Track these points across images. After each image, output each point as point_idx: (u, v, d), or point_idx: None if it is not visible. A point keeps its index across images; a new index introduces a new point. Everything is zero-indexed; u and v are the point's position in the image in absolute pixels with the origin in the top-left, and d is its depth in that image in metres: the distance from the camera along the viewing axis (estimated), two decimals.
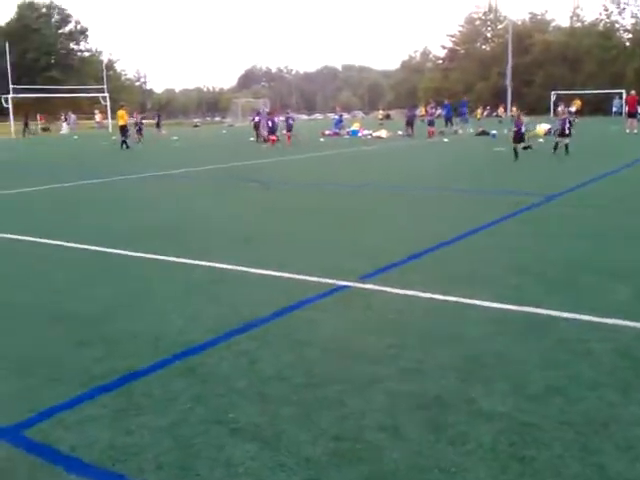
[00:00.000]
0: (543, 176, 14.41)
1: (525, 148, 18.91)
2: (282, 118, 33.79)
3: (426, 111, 38.77)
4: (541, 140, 23.94)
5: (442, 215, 9.58)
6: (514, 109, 25.32)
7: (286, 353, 4.16)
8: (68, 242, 7.90)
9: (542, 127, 28.47)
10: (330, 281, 5.78)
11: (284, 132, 29.79)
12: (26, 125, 50.81)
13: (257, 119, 32.27)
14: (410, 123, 33.70)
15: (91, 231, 8.71)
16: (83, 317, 5.04)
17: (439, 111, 39.62)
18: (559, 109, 26.86)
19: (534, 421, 3.19)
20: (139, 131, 33.22)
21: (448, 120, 36.11)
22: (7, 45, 59.67)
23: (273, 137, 28.18)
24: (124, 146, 28.00)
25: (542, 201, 10.30)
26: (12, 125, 52.32)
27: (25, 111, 54.75)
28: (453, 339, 4.34)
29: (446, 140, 29.36)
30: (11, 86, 54.01)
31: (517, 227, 8.47)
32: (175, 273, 6.40)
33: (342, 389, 3.61)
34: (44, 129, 59.19)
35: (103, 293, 5.70)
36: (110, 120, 59.06)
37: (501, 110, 58.91)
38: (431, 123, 32.61)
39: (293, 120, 31.63)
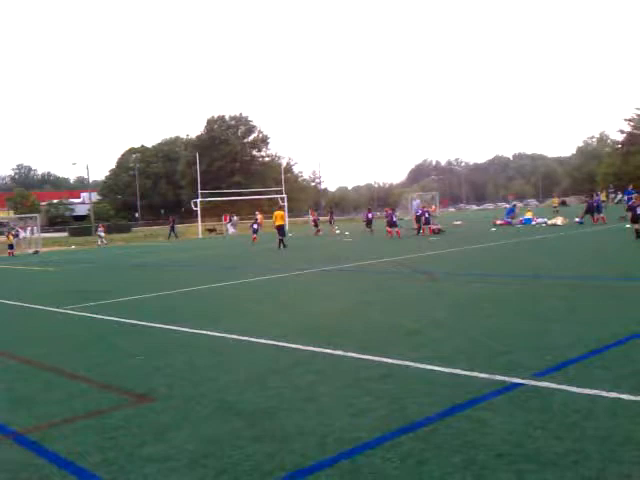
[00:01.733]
0: None
1: None
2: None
3: (607, 196, 37.08)
4: None
5: (623, 308, 8.85)
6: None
7: (455, 455, 3.97)
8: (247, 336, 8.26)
9: None
10: (501, 378, 5.50)
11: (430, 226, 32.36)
12: (172, 229, 53.45)
13: (419, 212, 34.03)
14: (590, 211, 32.48)
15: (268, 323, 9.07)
16: (254, 412, 5.17)
17: (619, 196, 37.60)
18: None
19: None
20: (316, 225, 35.36)
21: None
22: (197, 156, 66.23)
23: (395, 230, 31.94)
24: (281, 246, 28.43)
25: None
26: (199, 226, 57.12)
27: (172, 216, 59.16)
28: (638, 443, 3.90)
29: (628, 226, 27.50)
30: (199, 191, 59.31)
31: None
32: (344, 367, 6.43)
33: None
34: (210, 230, 60.74)
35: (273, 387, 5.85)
36: (287, 219, 62.47)
37: None
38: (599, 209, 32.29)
39: (429, 214, 33.82)
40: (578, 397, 4.92)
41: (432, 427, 4.50)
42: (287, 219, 62.77)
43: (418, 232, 32.57)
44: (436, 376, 5.82)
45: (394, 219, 32.87)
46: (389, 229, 32.61)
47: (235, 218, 61.39)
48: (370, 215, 39.13)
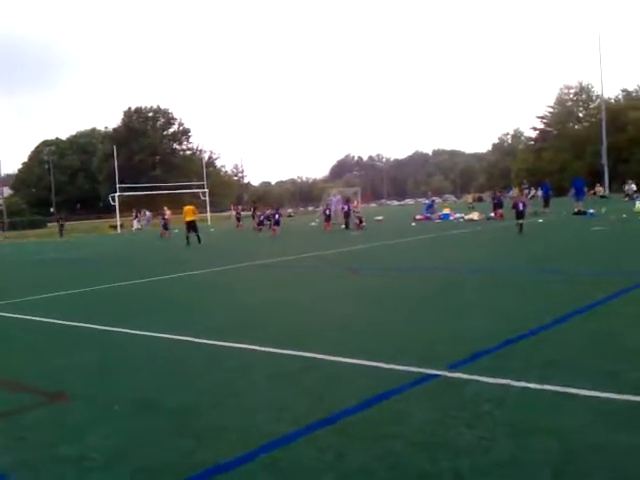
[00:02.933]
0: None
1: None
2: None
3: (521, 192, 38.43)
4: None
5: (536, 298, 9.24)
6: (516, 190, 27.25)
7: (373, 447, 4.04)
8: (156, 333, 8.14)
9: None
10: (418, 370, 5.64)
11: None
12: (61, 226, 54.63)
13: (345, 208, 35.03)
14: (498, 206, 33.83)
15: (186, 320, 8.96)
16: (174, 409, 5.11)
17: (533, 192, 39.13)
18: None
19: None
20: (238, 220, 35.34)
21: (546, 200, 35.56)
22: (115, 149, 64.52)
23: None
24: (188, 241, 28.02)
25: None
26: (118, 221, 55.81)
27: (59, 215, 60.67)
28: (548, 431, 4.09)
29: (540, 221, 28.70)
30: (117, 185, 57.85)
31: (621, 309, 8.04)
32: (263, 362, 6.43)
33: None
34: (113, 226, 60.58)
35: (192, 383, 5.80)
36: (209, 214, 61.77)
37: (599, 189, 57.43)
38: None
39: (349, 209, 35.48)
40: (489, 387, 5.10)
41: (350, 419, 4.57)
42: (209, 214, 62.16)
43: (347, 226, 33.12)
44: (354, 369, 5.91)
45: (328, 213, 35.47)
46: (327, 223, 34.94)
47: (148, 214, 60.78)
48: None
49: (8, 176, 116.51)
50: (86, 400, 5.50)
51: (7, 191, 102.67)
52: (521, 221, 22.57)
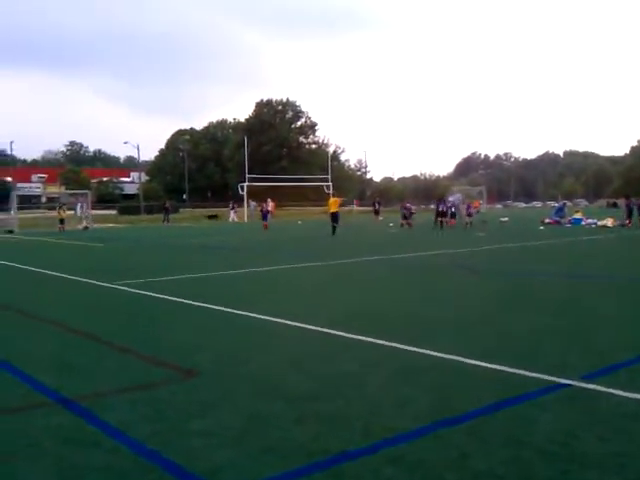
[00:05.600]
0: None
1: None
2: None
3: None
4: None
5: None
6: None
7: (500, 450, 3.95)
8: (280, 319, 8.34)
9: None
10: (550, 378, 5.44)
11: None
12: (166, 213, 50.89)
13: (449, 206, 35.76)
14: (630, 213, 32.17)
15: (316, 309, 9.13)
16: (301, 394, 5.24)
17: None
18: None
19: None
20: (404, 218, 35.52)
21: None
22: (246, 139, 66.62)
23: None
24: (334, 232, 28.88)
25: None
26: (245, 210, 57.51)
27: (163, 200, 58.33)
28: None
29: None
30: (247, 175, 59.62)
31: None
32: (388, 357, 6.44)
33: None
34: (210, 217, 59.24)
35: (320, 372, 5.91)
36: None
37: None
38: None
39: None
40: (626, 400, 4.84)
41: (477, 421, 4.49)
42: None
43: (441, 225, 33.50)
44: (481, 371, 5.79)
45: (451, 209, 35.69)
46: (453, 220, 35.17)
47: (253, 204, 60.50)
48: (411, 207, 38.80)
49: (146, 162, 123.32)
50: (215, 379, 5.75)
51: (144, 177, 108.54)
52: None
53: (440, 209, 34.40)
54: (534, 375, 5.54)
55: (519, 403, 4.86)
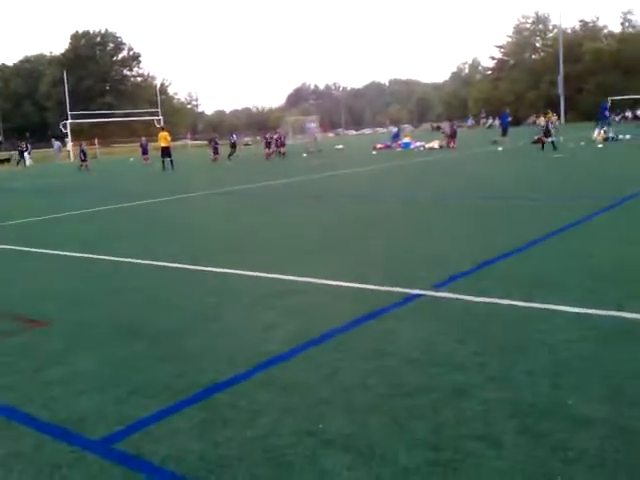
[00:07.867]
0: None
1: None
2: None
3: (478, 122, 38.59)
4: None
5: (509, 223, 9.35)
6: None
7: (367, 363, 4.06)
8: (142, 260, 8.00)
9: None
10: (403, 290, 5.67)
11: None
12: (21, 155, 46.10)
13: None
14: (453, 135, 33.93)
15: (161, 247, 8.82)
16: (161, 333, 5.04)
17: (490, 121, 39.23)
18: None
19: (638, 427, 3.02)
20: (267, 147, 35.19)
21: (504, 129, 35.66)
22: (65, 74, 61.84)
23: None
24: (167, 167, 28.50)
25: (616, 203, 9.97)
26: (70, 150, 54.01)
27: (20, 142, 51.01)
28: (539, 346, 4.16)
29: (500, 149, 28.89)
30: (69, 112, 55.74)
31: (591, 231, 8.19)
32: (247, 286, 6.38)
33: (432, 398, 3.49)
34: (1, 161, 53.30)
35: (180, 308, 5.72)
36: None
37: (554, 118, 58.01)
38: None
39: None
40: (474, 304, 5.16)
41: (342, 338, 4.57)
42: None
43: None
44: (338, 290, 5.91)
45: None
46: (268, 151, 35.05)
47: (57, 144, 55.68)
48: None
49: None
50: (66, 326, 5.38)
51: None
52: None
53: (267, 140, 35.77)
54: (388, 289, 5.75)
55: (378, 316, 5.02)
